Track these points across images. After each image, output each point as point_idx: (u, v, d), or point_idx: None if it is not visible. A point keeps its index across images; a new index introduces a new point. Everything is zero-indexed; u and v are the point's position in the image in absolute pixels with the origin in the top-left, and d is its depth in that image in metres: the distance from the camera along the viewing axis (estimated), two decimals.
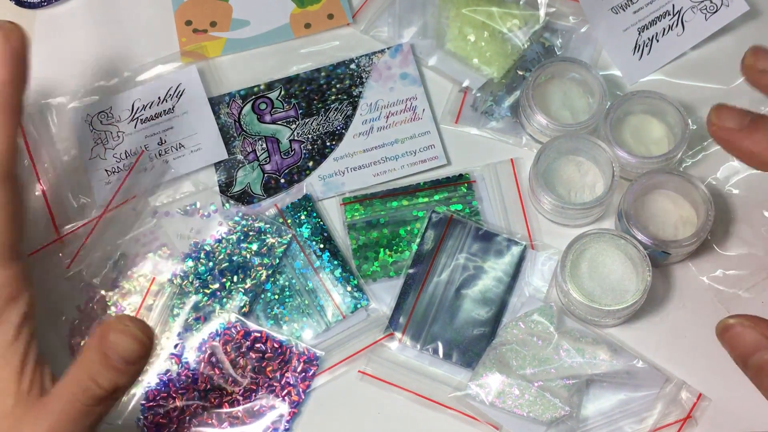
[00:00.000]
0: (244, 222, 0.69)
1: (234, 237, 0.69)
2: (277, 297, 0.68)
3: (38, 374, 0.53)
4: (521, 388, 0.62)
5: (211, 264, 0.68)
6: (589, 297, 0.63)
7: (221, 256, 0.68)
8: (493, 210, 0.70)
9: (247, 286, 0.67)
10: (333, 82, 0.75)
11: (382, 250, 0.69)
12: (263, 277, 0.68)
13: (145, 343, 0.52)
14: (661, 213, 0.68)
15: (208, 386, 0.64)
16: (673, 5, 0.75)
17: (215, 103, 0.75)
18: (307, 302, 0.67)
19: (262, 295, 0.68)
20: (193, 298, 0.67)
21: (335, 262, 0.68)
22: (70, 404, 0.52)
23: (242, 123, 0.74)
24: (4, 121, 0.54)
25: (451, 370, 0.65)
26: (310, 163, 0.72)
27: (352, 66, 0.76)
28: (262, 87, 0.76)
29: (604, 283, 0.64)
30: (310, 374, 0.65)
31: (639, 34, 0.75)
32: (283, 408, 0.64)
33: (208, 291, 0.67)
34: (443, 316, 0.66)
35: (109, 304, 0.67)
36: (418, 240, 0.69)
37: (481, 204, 0.70)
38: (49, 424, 0.51)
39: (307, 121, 0.74)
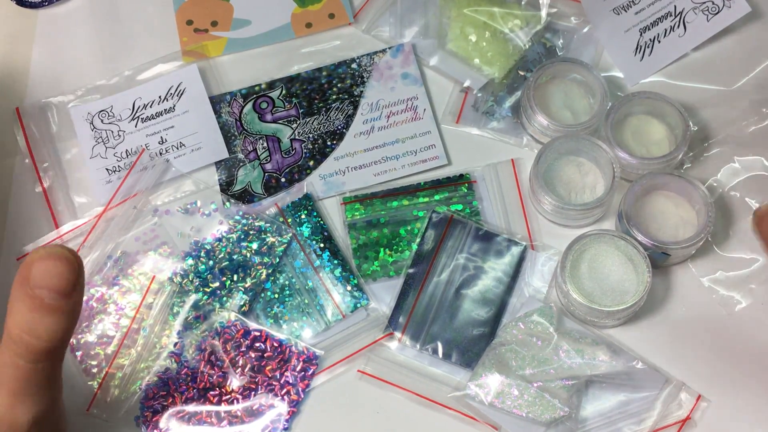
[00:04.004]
0: (244, 221, 0.69)
1: (234, 236, 0.69)
2: (277, 296, 0.68)
3: None
4: (520, 389, 0.62)
5: (211, 263, 0.68)
6: (588, 298, 0.63)
7: (221, 255, 0.68)
8: (494, 210, 0.70)
9: (247, 285, 0.67)
10: (334, 82, 0.76)
11: (382, 249, 0.69)
12: (263, 276, 0.68)
13: (73, 262, 0.45)
14: (661, 214, 0.67)
15: (208, 385, 0.64)
16: (675, 6, 0.75)
17: (216, 101, 0.75)
18: (306, 301, 0.67)
19: (262, 294, 0.68)
20: (193, 297, 0.67)
21: (335, 262, 0.68)
22: (15, 369, 0.47)
23: (243, 122, 0.74)
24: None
25: (450, 370, 0.65)
26: (311, 163, 0.72)
27: (354, 65, 0.76)
28: (263, 86, 0.76)
29: (603, 284, 0.64)
30: (310, 373, 0.65)
31: (640, 35, 0.75)
32: (282, 407, 0.64)
33: (208, 290, 0.67)
34: (443, 316, 0.66)
35: (109, 302, 0.67)
36: (418, 240, 0.69)
37: (482, 204, 0.70)
38: (4, 394, 0.48)
39: (308, 120, 0.74)
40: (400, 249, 0.69)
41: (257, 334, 0.65)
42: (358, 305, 0.67)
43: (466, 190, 0.71)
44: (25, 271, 0.44)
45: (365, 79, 0.75)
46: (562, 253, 0.65)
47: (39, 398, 0.49)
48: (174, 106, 0.74)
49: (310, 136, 0.74)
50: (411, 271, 0.68)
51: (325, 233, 0.69)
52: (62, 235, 0.69)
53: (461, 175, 0.71)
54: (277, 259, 0.68)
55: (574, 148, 0.69)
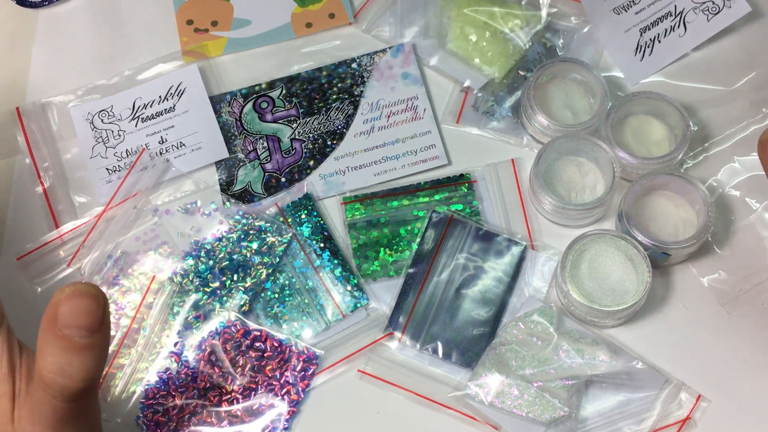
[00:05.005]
0: (244, 221, 0.69)
1: (234, 235, 0.69)
2: (277, 296, 0.68)
3: (25, 368, 0.49)
4: (520, 389, 0.62)
5: (211, 262, 0.68)
6: (588, 298, 0.63)
7: (221, 255, 0.68)
8: (494, 210, 0.70)
9: (247, 285, 0.67)
10: (334, 82, 0.76)
11: (382, 249, 0.69)
12: (263, 275, 0.68)
13: (98, 296, 0.44)
14: (661, 214, 0.67)
15: (208, 385, 0.64)
16: (675, 6, 0.75)
17: (216, 101, 0.75)
18: (307, 301, 0.67)
19: (262, 294, 0.68)
20: (193, 297, 0.67)
21: (335, 261, 0.68)
22: (53, 409, 0.46)
23: (243, 122, 0.74)
24: None
25: (450, 369, 0.65)
26: (311, 162, 0.72)
27: (354, 65, 0.76)
28: (263, 86, 0.76)
29: (604, 283, 0.64)
30: (310, 373, 0.65)
31: (641, 34, 0.75)
32: (282, 407, 0.64)
33: (208, 289, 0.67)
34: (443, 316, 0.66)
35: (109, 301, 0.67)
36: (418, 240, 0.69)
37: (482, 204, 0.70)
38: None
39: (308, 120, 0.74)
40: (400, 249, 0.69)
41: (257, 333, 0.65)
42: (358, 305, 0.67)
43: (466, 190, 0.71)
44: (52, 313, 0.44)
45: (365, 79, 0.75)
46: (562, 253, 0.65)
47: (78, 429, 0.49)
48: (174, 105, 0.74)
49: (311, 135, 0.74)
50: (411, 270, 0.68)
51: (325, 233, 0.69)
52: (62, 234, 0.69)
53: (461, 175, 0.71)
54: (277, 259, 0.68)
55: (574, 148, 0.69)
